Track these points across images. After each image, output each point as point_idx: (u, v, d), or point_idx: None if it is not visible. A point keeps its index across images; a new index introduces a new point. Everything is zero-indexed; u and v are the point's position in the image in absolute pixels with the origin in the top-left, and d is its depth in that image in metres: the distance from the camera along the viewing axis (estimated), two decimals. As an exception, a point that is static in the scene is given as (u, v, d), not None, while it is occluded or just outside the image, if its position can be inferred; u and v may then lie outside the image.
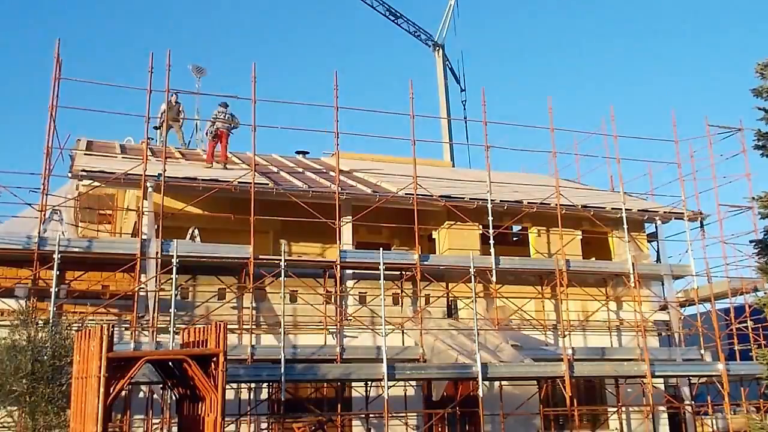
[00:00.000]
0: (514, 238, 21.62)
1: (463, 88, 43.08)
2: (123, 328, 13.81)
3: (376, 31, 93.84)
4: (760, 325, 19.24)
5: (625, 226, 17.94)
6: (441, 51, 42.45)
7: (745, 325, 19.28)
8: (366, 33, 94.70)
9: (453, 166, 29.36)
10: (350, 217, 16.61)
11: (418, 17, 79.25)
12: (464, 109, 42.19)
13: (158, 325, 13.90)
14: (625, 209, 18.25)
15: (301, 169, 19.46)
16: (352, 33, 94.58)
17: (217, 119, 17.48)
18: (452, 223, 17.56)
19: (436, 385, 15.31)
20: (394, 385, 14.36)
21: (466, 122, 34.41)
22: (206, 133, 18.26)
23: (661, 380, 18.21)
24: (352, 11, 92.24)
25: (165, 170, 14.65)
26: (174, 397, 9.96)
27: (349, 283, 16.47)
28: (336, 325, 14.98)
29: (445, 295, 17.02)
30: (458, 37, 43.44)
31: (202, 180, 15.49)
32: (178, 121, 19.51)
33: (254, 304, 14.68)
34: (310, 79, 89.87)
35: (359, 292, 16.42)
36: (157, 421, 13.64)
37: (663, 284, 18.88)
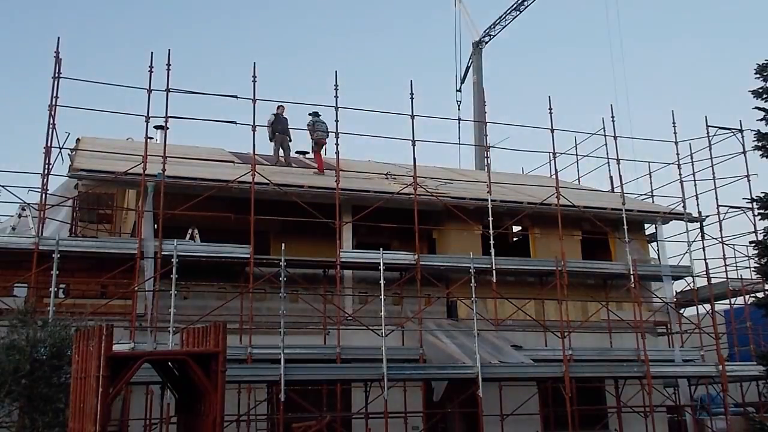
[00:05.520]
0: (514, 239, 21.61)
1: (459, 88, 42.96)
2: (122, 328, 13.76)
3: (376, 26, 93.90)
4: (759, 325, 19.24)
5: (625, 227, 17.92)
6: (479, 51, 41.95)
7: (744, 325, 19.28)
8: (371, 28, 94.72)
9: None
10: (350, 217, 16.61)
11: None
12: (458, 109, 42.06)
13: (158, 325, 13.90)
14: (626, 210, 18.24)
15: (301, 169, 19.43)
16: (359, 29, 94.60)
17: (315, 129, 18.29)
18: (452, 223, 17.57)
19: (437, 386, 15.28)
20: (393, 386, 14.33)
21: (459, 123, 34.37)
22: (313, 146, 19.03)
23: (661, 381, 18.21)
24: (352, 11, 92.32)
25: (165, 170, 14.63)
26: (173, 397, 9.93)
27: (349, 283, 16.48)
28: (336, 326, 14.96)
29: (445, 295, 17.01)
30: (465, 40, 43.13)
31: (202, 180, 15.48)
32: None
33: (254, 304, 14.65)
34: (310, 78, 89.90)
35: (359, 292, 16.42)
36: (157, 421, 13.60)
37: (663, 285, 18.87)
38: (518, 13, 40.77)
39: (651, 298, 18.96)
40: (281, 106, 18.20)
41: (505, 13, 41.10)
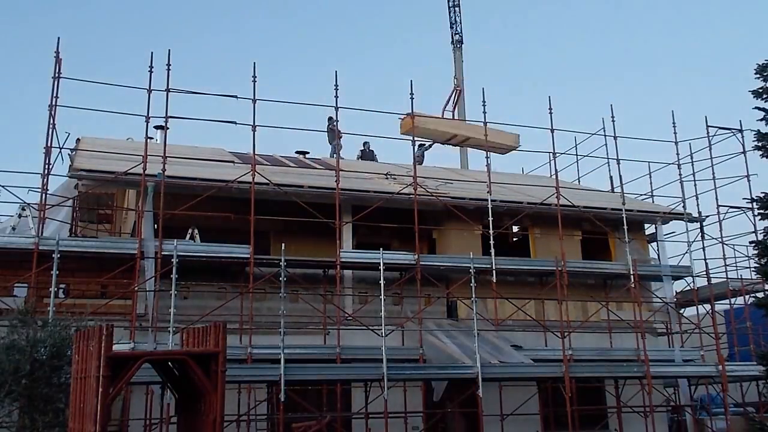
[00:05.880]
0: (514, 239, 21.61)
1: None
2: (122, 328, 13.76)
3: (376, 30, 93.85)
4: (759, 325, 19.24)
5: (625, 227, 17.91)
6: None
7: (744, 325, 19.28)
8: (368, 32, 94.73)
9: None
10: (350, 217, 16.61)
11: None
12: (464, 107, 41.83)
13: (158, 325, 13.89)
14: (626, 210, 18.23)
15: (301, 169, 19.43)
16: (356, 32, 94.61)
17: None
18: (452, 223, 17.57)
19: (437, 386, 15.29)
20: (393, 386, 14.33)
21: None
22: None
23: (661, 381, 18.20)
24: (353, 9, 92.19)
25: (165, 170, 14.63)
26: (173, 397, 9.93)
27: (349, 283, 16.47)
28: (336, 326, 14.95)
29: (445, 295, 17.01)
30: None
31: (202, 180, 15.47)
32: None
33: (254, 304, 14.65)
34: (310, 78, 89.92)
35: (359, 292, 16.41)
36: (157, 421, 13.61)
37: (663, 285, 18.88)
38: (458, 8, 40.61)
39: (651, 298, 18.96)
40: (367, 142, 21.72)
41: (450, 8, 41.05)
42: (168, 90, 15.06)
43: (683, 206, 19.58)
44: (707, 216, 19.64)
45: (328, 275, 16.09)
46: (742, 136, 19.70)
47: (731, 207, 19.43)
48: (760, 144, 16.41)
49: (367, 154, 21.66)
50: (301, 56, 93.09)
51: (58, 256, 13.31)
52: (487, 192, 17.12)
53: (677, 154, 19.63)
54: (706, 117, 19.64)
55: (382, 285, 14.65)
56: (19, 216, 15.83)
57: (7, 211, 17.05)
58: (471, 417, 15.36)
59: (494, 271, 16.51)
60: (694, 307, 19.38)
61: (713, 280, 18.91)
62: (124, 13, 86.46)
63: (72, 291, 14.45)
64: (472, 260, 15.68)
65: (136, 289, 13.98)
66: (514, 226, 19.70)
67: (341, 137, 19.08)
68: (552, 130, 17.98)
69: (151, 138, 16.40)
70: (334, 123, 18.91)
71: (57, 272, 13.21)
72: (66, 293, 14.22)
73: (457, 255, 16.79)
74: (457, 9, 35.47)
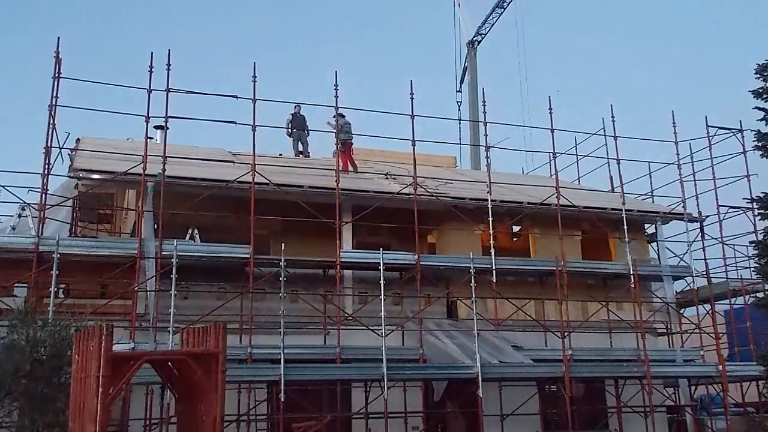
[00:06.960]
0: (514, 239, 21.60)
1: (459, 89, 42.78)
2: (122, 328, 13.76)
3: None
4: (759, 325, 19.22)
5: (625, 228, 17.91)
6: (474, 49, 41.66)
7: (744, 325, 19.27)
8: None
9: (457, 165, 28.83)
10: (350, 217, 16.60)
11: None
12: (458, 110, 41.99)
13: (158, 325, 13.89)
14: (626, 210, 18.22)
15: (301, 169, 19.41)
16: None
17: (342, 130, 18.26)
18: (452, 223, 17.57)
19: (437, 386, 15.28)
20: (393, 386, 14.33)
21: (459, 123, 34.43)
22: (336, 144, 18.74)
23: (661, 381, 18.19)
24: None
25: (165, 170, 14.62)
26: (173, 397, 9.93)
27: (349, 283, 16.46)
28: (336, 326, 14.95)
29: (445, 295, 17.00)
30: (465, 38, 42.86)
31: (202, 180, 15.47)
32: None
33: (254, 304, 14.65)
34: (310, 78, 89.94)
35: (359, 292, 16.40)
36: (157, 421, 13.60)
37: (663, 285, 18.87)
38: (502, 10, 40.70)
39: (651, 298, 18.95)
40: (297, 105, 19.70)
41: (491, 10, 41.08)
42: (168, 90, 15.05)
43: (683, 206, 19.57)
44: (707, 216, 19.64)
45: (328, 275, 16.09)
46: (742, 136, 19.71)
47: (731, 207, 19.44)
48: (760, 144, 16.45)
49: (298, 118, 20.16)
50: (301, 56, 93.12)
51: (58, 256, 13.32)
52: (487, 192, 17.12)
53: (677, 154, 19.63)
54: (706, 117, 19.67)
55: (382, 285, 14.65)
56: (19, 216, 15.82)
57: (7, 211, 17.04)
58: (471, 417, 15.36)
59: (494, 271, 16.51)
60: (694, 307, 19.37)
61: (713, 280, 18.90)
62: (124, 12, 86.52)
63: (72, 291, 14.45)
64: (472, 260, 15.68)
65: (136, 289, 13.97)
66: (514, 226, 19.70)
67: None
68: (552, 130, 17.98)
69: (151, 138, 16.38)
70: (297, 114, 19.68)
71: (57, 272, 13.22)
72: (66, 293, 14.22)
73: (457, 255, 16.78)
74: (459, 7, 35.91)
